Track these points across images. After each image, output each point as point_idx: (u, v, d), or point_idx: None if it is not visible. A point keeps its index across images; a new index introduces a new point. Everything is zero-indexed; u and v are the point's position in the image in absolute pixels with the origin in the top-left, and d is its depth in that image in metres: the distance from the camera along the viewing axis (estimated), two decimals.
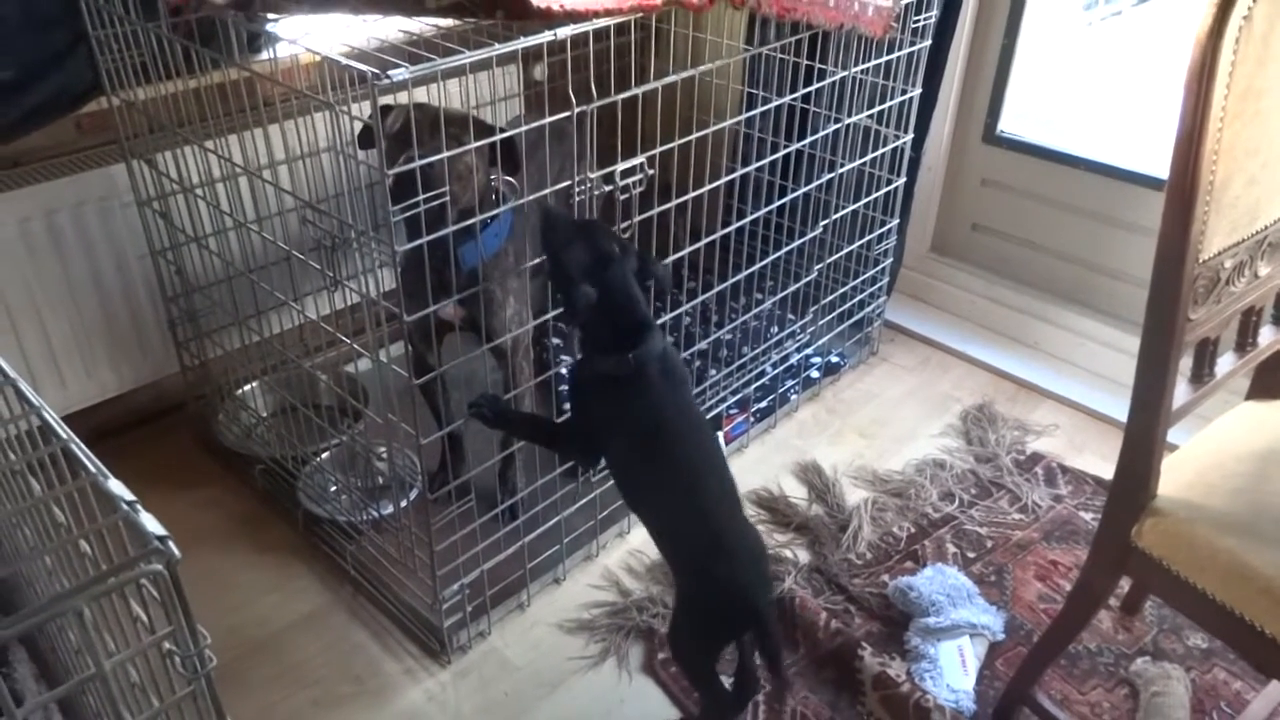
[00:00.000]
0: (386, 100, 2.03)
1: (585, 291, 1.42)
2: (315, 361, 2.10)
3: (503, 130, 1.56)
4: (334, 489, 2.04)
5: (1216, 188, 1.18)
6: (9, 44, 1.77)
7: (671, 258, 1.90)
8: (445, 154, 1.38)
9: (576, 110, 1.51)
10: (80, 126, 1.99)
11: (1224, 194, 1.20)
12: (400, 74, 1.24)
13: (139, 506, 0.57)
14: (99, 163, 1.99)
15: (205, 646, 0.59)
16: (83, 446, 0.63)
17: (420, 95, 2.17)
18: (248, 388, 2.24)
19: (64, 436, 0.64)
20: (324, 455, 2.07)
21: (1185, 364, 1.35)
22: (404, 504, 1.90)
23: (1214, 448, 1.46)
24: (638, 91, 1.63)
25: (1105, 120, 2.58)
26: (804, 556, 2.01)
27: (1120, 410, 1.35)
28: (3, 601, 1.23)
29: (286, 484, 2.05)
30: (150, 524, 0.56)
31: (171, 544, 0.55)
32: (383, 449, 2.00)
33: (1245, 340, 1.49)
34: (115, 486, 0.59)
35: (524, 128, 1.58)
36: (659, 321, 1.95)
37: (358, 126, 1.51)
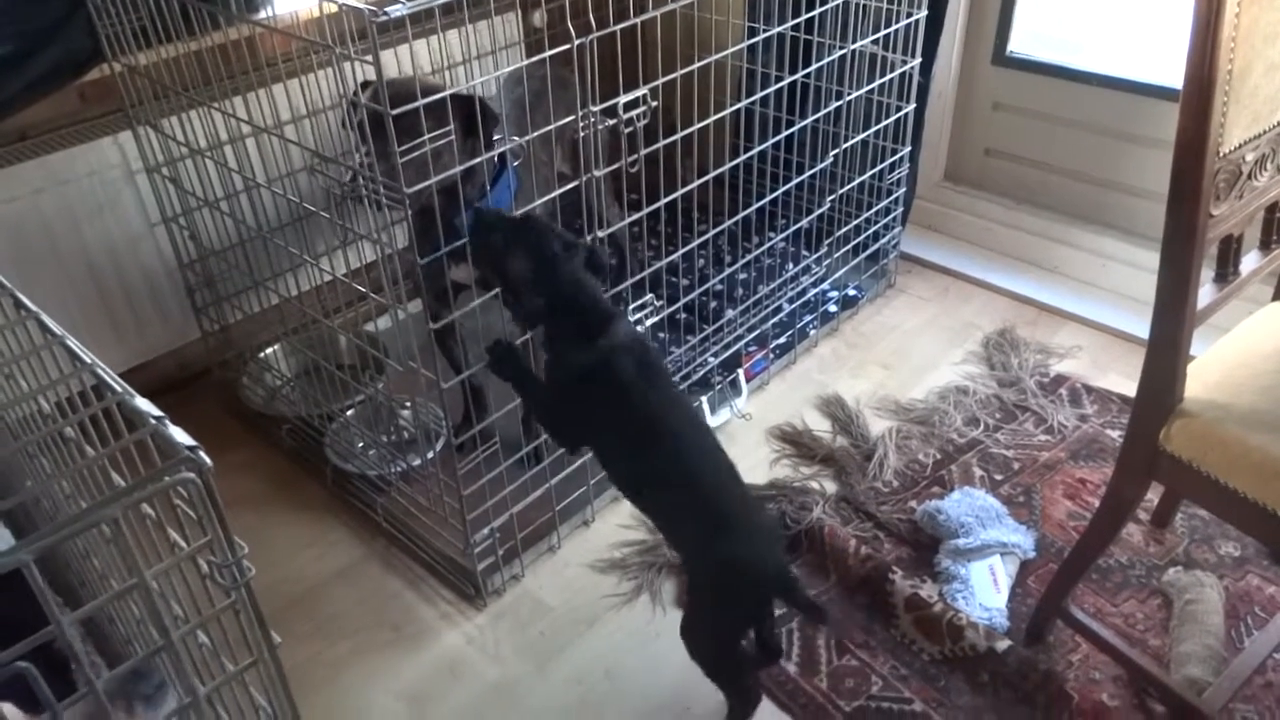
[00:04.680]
0: (387, 53, 2.02)
1: (533, 302, 1.41)
2: (336, 321, 2.11)
3: (472, 92, 1.52)
4: (361, 445, 2.06)
5: (1235, 77, 1.15)
6: (6, 16, 1.76)
7: (680, 192, 1.88)
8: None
9: (576, 43, 1.49)
10: (84, 96, 1.99)
11: (1243, 83, 1.17)
12: (398, 10, 1.23)
13: (167, 421, 0.58)
14: (106, 131, 1.99)
15: (243, 556, 0.60)
16: (108, 370, 0.64)
17: (420, 47, 2.16)
18: (270, 350, 2.26)
19: (88, 361, 0.65)
20: (349, 412, 2.09)
21: (1207, 275, 1.33)
22: (430, 455, 1.92)
23: (1240, 348, 1.45)
24: (637, 21, 1.61)
25: (1119, 34, 2.52)
26: (831, 487, 2.01)
27: (1144, 328, 1.33)
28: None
29: (314, 442, 2.07)
30: (180, 435, 0.56)
31: (202, 454, 0.56)
32: (406, 400, 2.01)
33: (1270, 238, 1.47)
34: (142, 403, 0.60)
35: (523, 65, 1.56)
36: (668, 260, 1.95)
37: (360, 75, 1.50)
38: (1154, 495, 1.87)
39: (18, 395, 0.80)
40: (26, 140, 1.95)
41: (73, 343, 0.67)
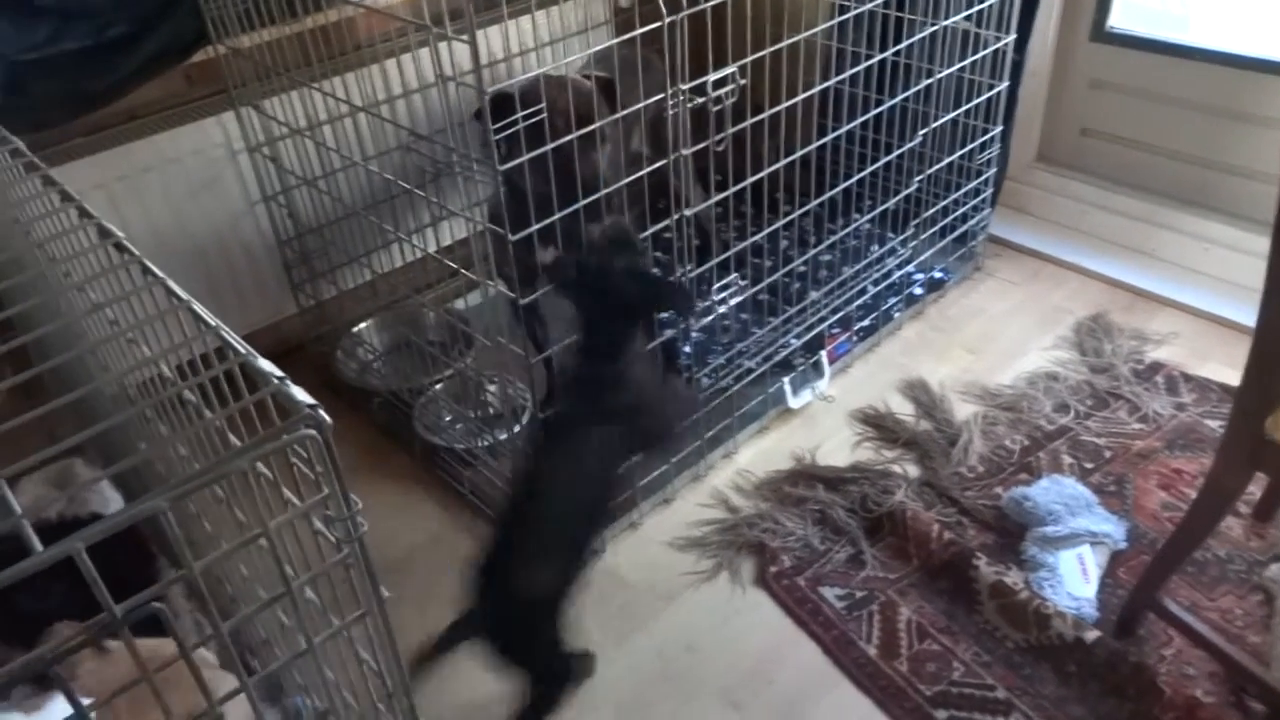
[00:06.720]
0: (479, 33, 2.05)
1: None
2: (425, 298, 2.16)
3: (601, 77, 1.55)
4: (448, 419, 2.11)
5: None
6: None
7: (764, 173, 1.88)
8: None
9: (667, 20, 1.49)
10: (190, 78, 2.07)
11: None
12: None
13: (289, 381, 0.61)
14: (210, 112, 2.07)
15: (358, 512, 0.62)
16: (231, 333, 0.67)
17: (511, 27, 2.18)
18: (363, 325, 2.32)
19: (213, 324, 0.68)
20: (438, 387, 2.14)
21: None
22: (516, 430, 1.95)
23: None
24: None
25: (1227, 7, 2.42)
26: (914, 471, 1.99)
27: (1247, 315, 1.29)
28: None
29: (403, 416, 2.13)
30: (301, 394, 0.59)
31: (322, 411, 0.59)
32: (493, 376, 2.05)
33: None
34: (265, 364, 0.63)
35: (613, 43, 1.56)
36: (752, 240, 1.95)
37: (453, 55, 1.52)
38: (1256, 488, 1.80)
39: (141, 359, 0.84)
40: (136, 120, 2.04)
41: (198, 307, 0.71)
